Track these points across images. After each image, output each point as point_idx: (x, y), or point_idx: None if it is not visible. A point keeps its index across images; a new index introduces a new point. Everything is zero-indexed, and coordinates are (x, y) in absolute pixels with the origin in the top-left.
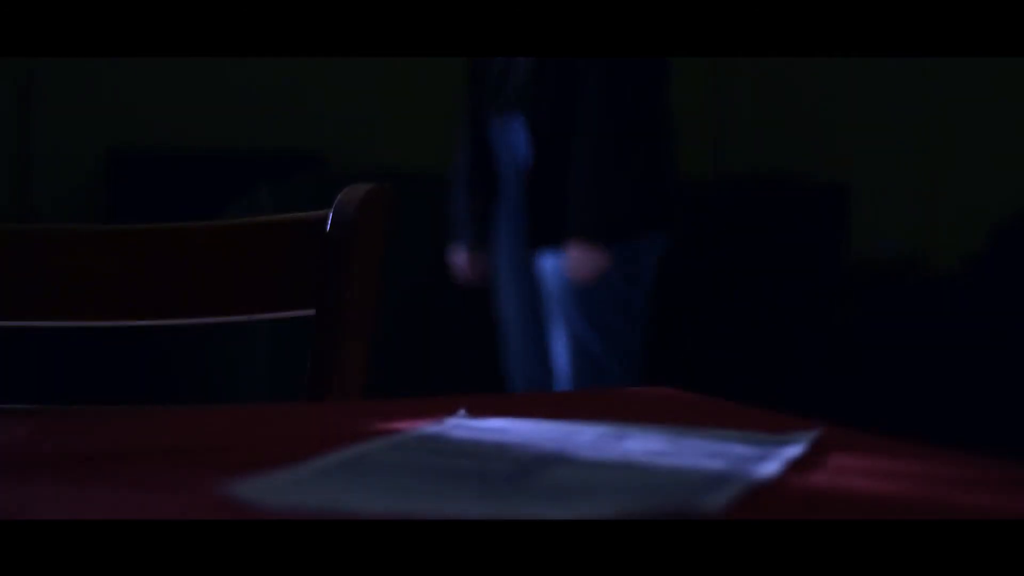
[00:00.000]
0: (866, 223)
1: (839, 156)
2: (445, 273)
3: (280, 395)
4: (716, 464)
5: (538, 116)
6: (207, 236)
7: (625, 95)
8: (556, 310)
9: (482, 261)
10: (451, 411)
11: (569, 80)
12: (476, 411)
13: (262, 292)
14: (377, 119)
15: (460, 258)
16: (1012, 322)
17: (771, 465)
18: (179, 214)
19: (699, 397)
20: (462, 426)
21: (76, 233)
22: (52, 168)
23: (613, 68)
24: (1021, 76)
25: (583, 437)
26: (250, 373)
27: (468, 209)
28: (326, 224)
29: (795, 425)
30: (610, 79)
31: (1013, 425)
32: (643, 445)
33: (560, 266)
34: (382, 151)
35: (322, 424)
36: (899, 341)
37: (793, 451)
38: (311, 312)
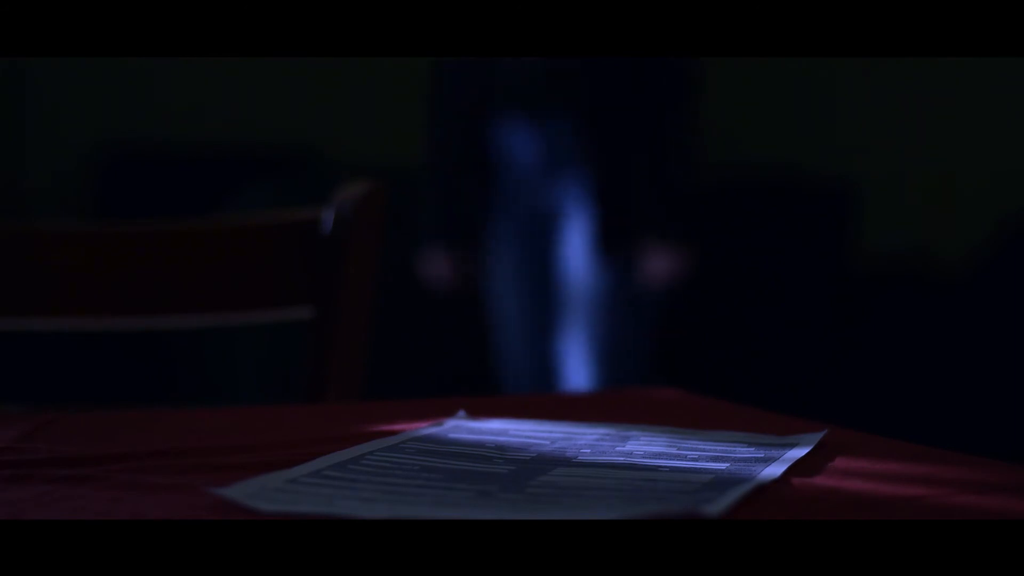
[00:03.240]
0: (871, 221)
1: (843, 153)
2: (421, 262)
3: (277, 396)
4: (719, 466)
5: (597, 119)
6: (204, 237)
7: (661, 96)
8: (568, 312)
9: (466, 263)
10: (450, 412)
11: (586, 79)
12: (475, 412)
13: (259, 291)
14: (375, 113)
15: (439, 262)
16: (1017, 323)
17: (774, 467)
18: (172, 208)
19: (702, 398)
20: (461, 427)
21: (72, 234)
22: (44, 163)
23: (642, 68)
24: None
25: (584, 438)
26: (247, 374)
27: (452, 210)
28: (322, 222)
29: (799, 427)
30: (641, 80)
31: (1016, 426)
32: (645, 447)
33: (574, 267)
34: (380, 146)
35: (319, 425)
36: (903, 341)
37: (797, 453)
38: (309, 312)
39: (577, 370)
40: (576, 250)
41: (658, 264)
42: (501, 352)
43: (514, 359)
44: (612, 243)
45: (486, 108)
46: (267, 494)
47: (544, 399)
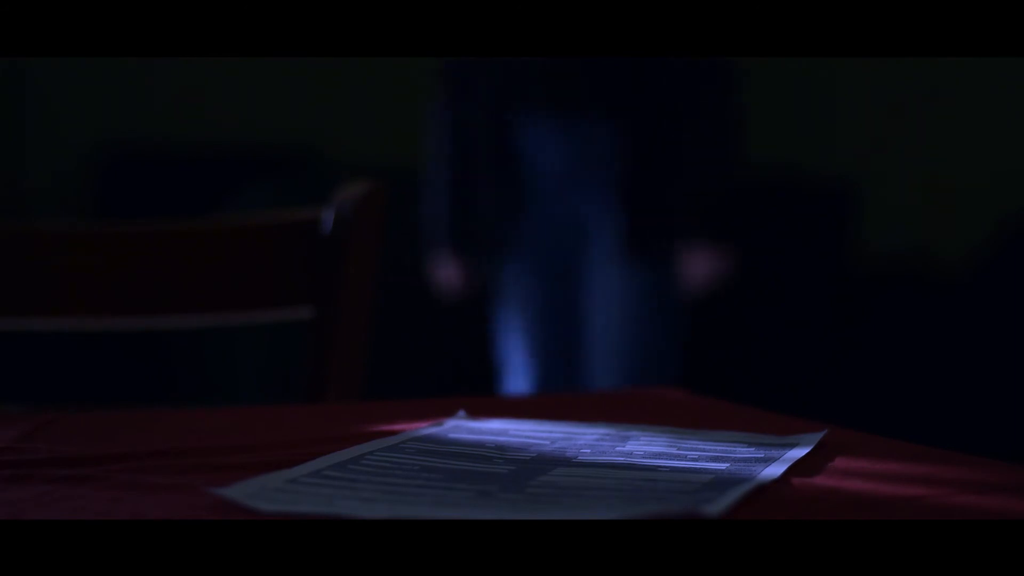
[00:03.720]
0: (871, 221)
1: (843, 153)
2: (427, 267)
3: (277, 396)
4: (719, 466)
5: (633, 120)
6: (204, 237)
7: (706, 95)
8: (598, 317)
9: (481, 268)
10: (450, 412)
11: (592, 78)
12: (475, 412)
13: (259, 291)
14: (375, 113)
15: (450, 268)
16: (1017, 323)
17: (774, 467)
18: (172, 208)
19: (702, 398)
20: (461, 427)
21: (72, 234)
22: (44, 163)
23: (682, 69)
24: None
25: (584, 438)
26: (247, 374)
27: (468, 213)
28: (322, 222)
29: (799, 427)
30: (681, 81)
31: (1016, 426)
32: (645, 447)
33: (596, 270)
34: (380, 146)
35: (319, 425)
36: (903, 341)
37: (797, 453)
38: (309, 312)
39: (593, 377)
40: (600, 253)
41: (698, 266)
42: (511, 361)
43: (525, 366)
44: (639, 246)
45: (501, 107)
46: (267, 494)
47: (544, 399)
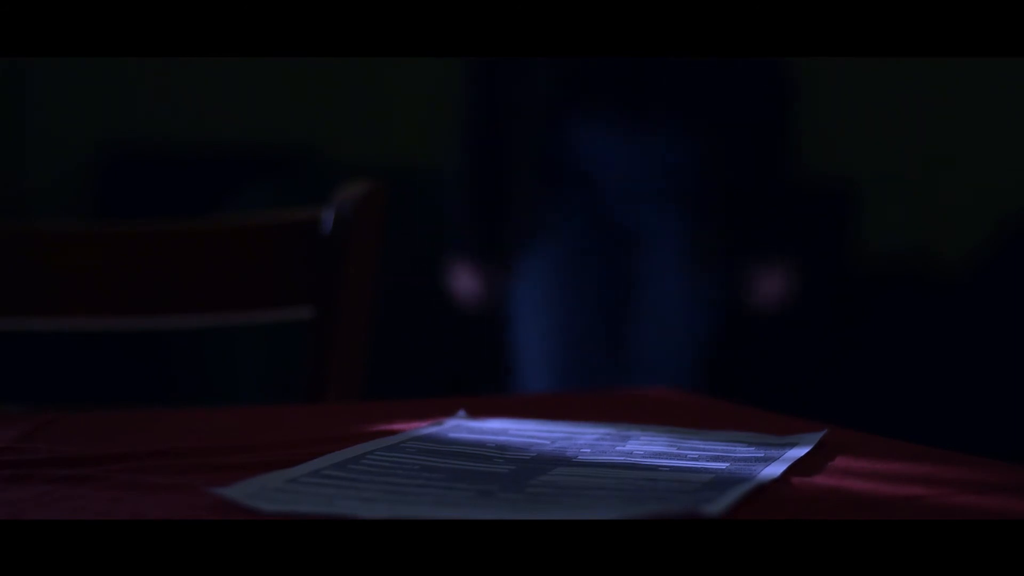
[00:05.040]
0: (871, 221)
1: (843, 153)
2: (444, 272)
3: (277, 396)
4: (719, 466)
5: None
6: (204, 237)
7: (770, 100)
8: (643, 315)
9: (493, 277)
10: (450, 412)
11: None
12: (475, 412)
13: (259, 291)
14: (375, 113)
15: (469, 276)
16: (1017, 323)
17: (774, 467)
18: (172, 208)
19: (702, 398)
20: (461, 427)
21: (72, 234)
22: (44, 163)
23: (745, 68)
24: None
25: (584, 438)
26: (247, 374)
27: (491, 220)
28: (322, 222)
29: (799, 427)
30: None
31: (1016, 426)
32: (645, 446)
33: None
34: (380, 146)
35: (319, 425)
36: (903, 341)
37: (797, 453)
38: (309, 312)
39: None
40: (634, 260)
41: (768, 283)
42: (524, 362)
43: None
44: (683, 254)
45: (531, 111)
46: (267, 494)
47: (544, 399)
